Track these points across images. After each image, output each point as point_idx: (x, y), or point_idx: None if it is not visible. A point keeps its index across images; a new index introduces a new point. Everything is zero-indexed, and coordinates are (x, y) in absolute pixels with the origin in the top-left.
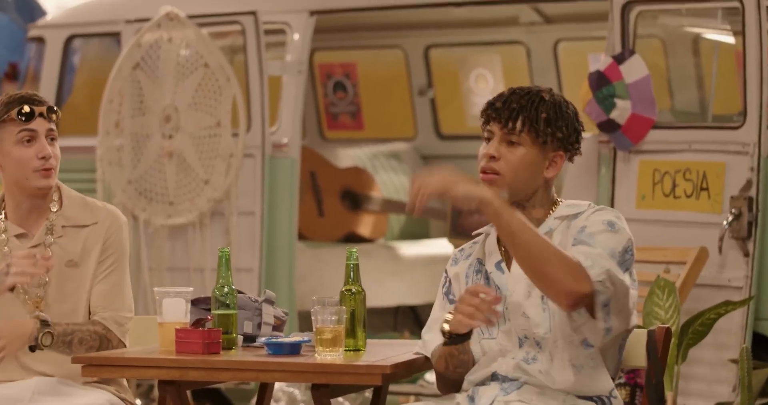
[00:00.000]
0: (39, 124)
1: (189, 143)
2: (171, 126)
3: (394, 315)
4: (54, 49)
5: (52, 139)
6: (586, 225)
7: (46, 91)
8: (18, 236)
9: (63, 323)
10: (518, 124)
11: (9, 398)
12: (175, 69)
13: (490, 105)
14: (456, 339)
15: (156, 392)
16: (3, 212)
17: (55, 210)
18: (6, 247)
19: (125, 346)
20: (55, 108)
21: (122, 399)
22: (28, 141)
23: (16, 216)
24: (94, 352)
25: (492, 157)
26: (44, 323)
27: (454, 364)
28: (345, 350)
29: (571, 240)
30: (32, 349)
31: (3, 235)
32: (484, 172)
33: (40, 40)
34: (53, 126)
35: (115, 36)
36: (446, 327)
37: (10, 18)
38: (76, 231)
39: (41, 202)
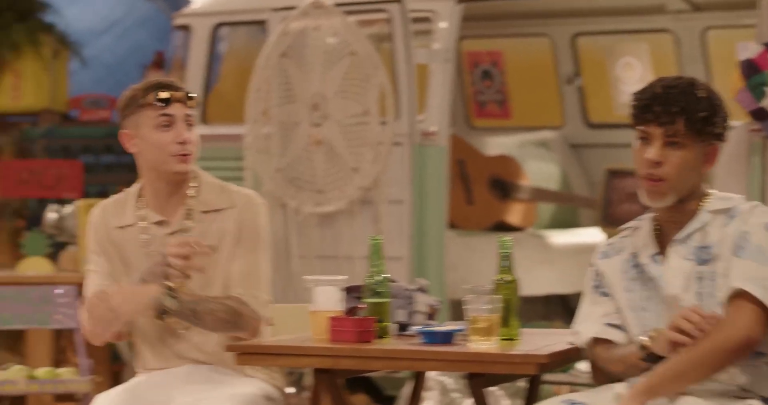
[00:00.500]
0: (177, 109)
1: (337, 131)
2: (319, 114)
3: (545, 304)
4: (200, 37)
5: (190, 125)
6: (748, 231)
7: (193, 79)
8: (157, 223)
9: (192, 293)
10: (680, 126)
11: (163, 385)
12: (322, 57)
13: (646, 106)
14: (655, 359)
15: (307, 380)
16: (143, 200)
17: (192, 195)
18: (146, 235)
19: (260, 319)
20: (192, 94)
21: (274, 387)
22: (166, 126)
23: (155, 203)
24: (230, 329)
25: (656, 163)
26: (169, 289)
27: (632, 372)
28: (499, 339)
29: (732, 244)
30: (160, 316)
31: (143, 223)
32: (649, 179)
33: (186, 29)
34: (191, 112)
35: (262, 24)
36: (647, 343)
37: (157, 7)
38: (214, 216)
39: (179, 188)
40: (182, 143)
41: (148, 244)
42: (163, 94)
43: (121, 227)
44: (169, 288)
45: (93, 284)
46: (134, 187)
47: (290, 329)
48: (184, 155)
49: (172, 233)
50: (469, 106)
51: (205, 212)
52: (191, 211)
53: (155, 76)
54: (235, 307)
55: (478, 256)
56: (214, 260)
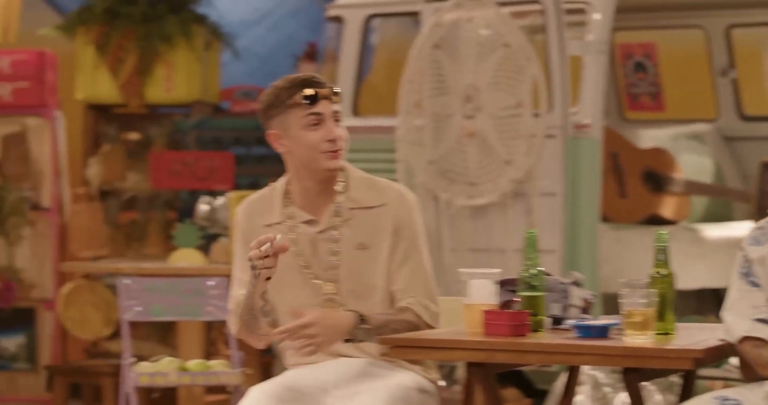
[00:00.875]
0: (324, 107)
1: (490, 123)
2: (472, 106)
3: (697, 298)
4: (353, 28)
5: (337, 121)
6: None
7: (345, 71)
8: (306, 222)
9: (377, 315)
10: None
11: (317, 378)
12: (475, 48)
13: None
14: None
15: (458, 373)
16: (290, 197)
17: (341, 191)
18: (294, 234)
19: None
20: (337, 89)
21: (428, 380)
22: (315, 124)
23: (302, 201)
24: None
25: None
26: (362, 319)
27: None
28: (655, 334)
29: None
30: (347, 340)
31: (290, 221)
32: None
33: (338, 20)
34: (338, 107)
35: (414, 15)
36: None
37: None
38: (364, 212)
39: (328, 185)
40: (332, 140)
41: (296, 243)
42: (309, 92)
43: (268, 225)
44: (363, 318)
45: (236, 295)
46: (280, 183)
47: (443, 322)
48: (335, 152)
49: (321, 232)
50: (622, 98)
51: (354, 209)
52: (340, 209)
53: (307, 68)
54: (414, 321)
55: (631, 250)
56: (367, 257)
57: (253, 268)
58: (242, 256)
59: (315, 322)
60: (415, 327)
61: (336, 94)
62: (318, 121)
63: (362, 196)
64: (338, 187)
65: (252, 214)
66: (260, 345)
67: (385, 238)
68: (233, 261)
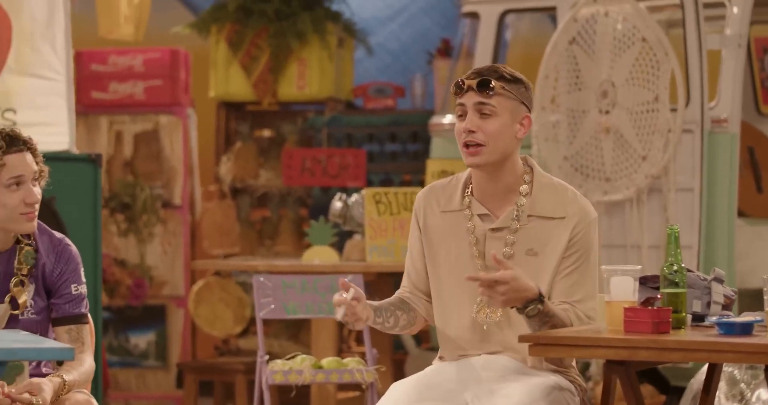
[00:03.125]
0: (468, 98)
1: (626, 118)
2: (608, 101)
3: None
4: (488, 24)
5: (483, 114)
6: None
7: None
8: (481, 216)
9: (550, 302)
10: None
11: (457, 375)
12: (611, 43)
13: None
14: None
15: (591, 371)
16: (470, 188)
17: (524, 194)
18: (470, 223)
19: None
20: (490, 81)
21: (568, 378)
22: (460, 116)
23: (480, 194)
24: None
25: None
26: (541, 298)
27: None
28: None
29: None
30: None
31: (467, 212)
32: None
33: (474, 16)
34: (484, 99)
35: (550, 11)
36: None
37: None
38: (543, 221)
39: (513, 184)
40: (467, 132)
41: (471, 232)
42: (459, 82)
43: (446, 211)
44: (541, 298)
45: (402, 285)
46: (464, 174)
47: None
48: (467, 147)
49: (494, 230)
50: (758, 92)
51: (533, 216)
52: (521, 213)
53: (441, 64)
54: (575, 321)
55: None
56: (535, 264)
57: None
58: (413, 243)
59: (509, 281)
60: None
61: (483, 85)
62: (462, 112)
63: (544, 204)
64: (523, 189)
65: (431, 199)
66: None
67: (558, 250)
68: (409, 246)
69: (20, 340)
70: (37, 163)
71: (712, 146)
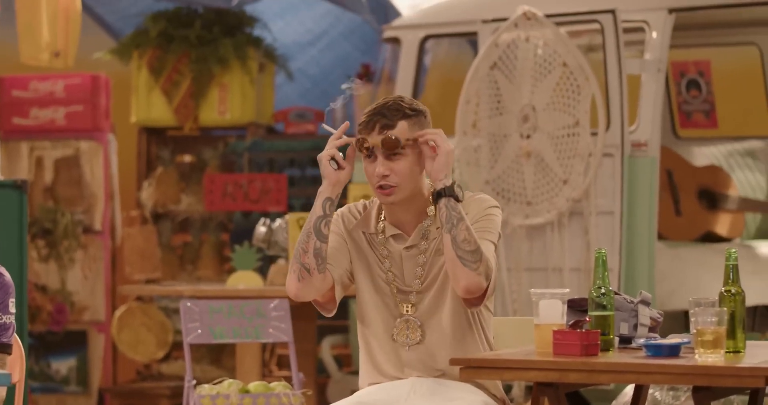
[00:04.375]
0: (376, 141)
1: (547, 143)
2: (529, 126)
3: (752, 315)
4: (409, 49)
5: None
6: None
7: (402, 92)
8: (394, 236)
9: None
10: None
11: (388, 398)
12: (532, 68)
13: None
14: None
15: (513, 393)
16: (383, 214)
17: (431, 214)
18: (385, 248)
19: (490, 275)
20: (397, 142)
21: (496, 399)
22: (368, 156)
23: (391, 217)
24: (471, 257)
25: None
26: (461, 187)
27: None
28: (726, 351)
29: None
30: (438, 194)
31: (381, 236)
32: None
33: (395, 41)
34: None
35: (471, 36)
36: None
37: (363, 18)
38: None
39: (422, 206)
40: (380, 177)
41: (386, 257)
42: (361, 141)
43: (363, 231)
44: (461, 187)
45: None
46: (376, 200)
47: (508, 342)
48: (381, 188)
49: (408, 248)
50: (675, 116)
51: (440, 228)
52: (428, 230)
53: (361, 89)
54: (481, 253)
55: (688, 268)
56: (442, 261)
57: (320, 161)
58: (336, 240)
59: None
60: (477, 250)
61: (389, 146)
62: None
63: None
64: (429, 210)
65: (349, 217)
66: (302, 289)
67: None
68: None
69: None
70: None
71: (632, 170)
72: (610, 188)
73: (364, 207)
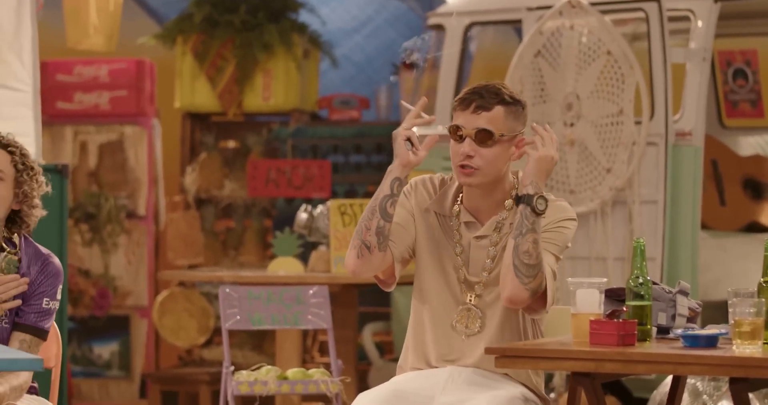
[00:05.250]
0: (467, 122)
1: (591, 131)
2: (573, 114)
3: None
4: (454, 37)
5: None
6: None
7: (446, 79)
8: (467, 223)
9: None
10: None
11: (424, 386)
12: (576, 56)
13: None
14: None
15: (555, 382)
16: (460, 197)
17: (509, 208)
18: (457, 232)
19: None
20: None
21: (533, 390)
22: (458, 136)
23: (470, 203)
24: (530, 269)
25: None
26: (546, 199)
27: None
28: (763, 343)
29: None
30: (518, 199)
31: (456, 220)
32: None
33: (439, 28)
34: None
35: (516, 23)
36: None
37: (408, 5)
38: None
39: (501, 198)
40: (464, 156)
41: (457, 242)
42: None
43: (436, 212)
44: (546, 199)
45: None
46: (456, 181)
47: (552, 331)
48: (462, 167)
49: (478, 238)
50: (722, 105)
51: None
52: (503, 224)
53: (406, 77)
54: (543, 263)
55: (732, 258)
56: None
57: (394, 139)
58: (403, 213)
59: (550, 146)
60: (539, 265)
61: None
62: (459, 133)
63: None
64: (507, 203)
65: (425, 193)
66: (360, 265)
67: None
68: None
69: None
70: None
71: (676, 159)
72: (654, 177)
73: (441, 182)
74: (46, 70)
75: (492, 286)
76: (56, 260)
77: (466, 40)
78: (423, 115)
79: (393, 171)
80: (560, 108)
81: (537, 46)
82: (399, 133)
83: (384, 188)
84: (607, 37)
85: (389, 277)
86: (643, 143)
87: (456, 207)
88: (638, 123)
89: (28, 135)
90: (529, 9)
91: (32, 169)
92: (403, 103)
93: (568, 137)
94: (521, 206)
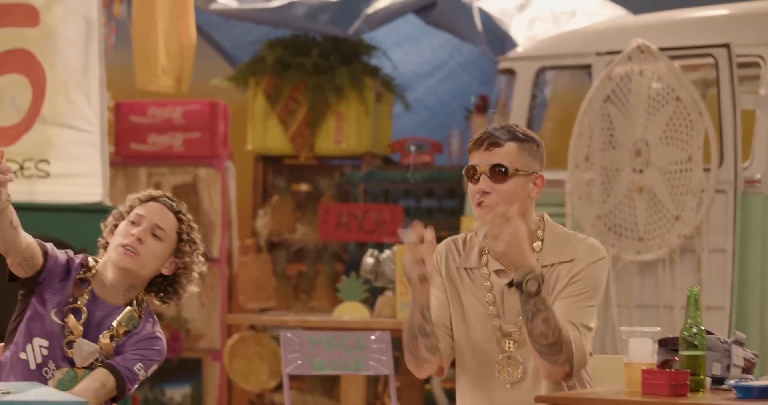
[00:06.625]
0: (481, 160)
1: (659, 178)
2: (641, 160)
3: None
4: (524, 81)
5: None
6: None
7: (516, 123)
8: (496, 272)
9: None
10: None
11: None
12: (646, 102)
13: None
14: None
15: None
16: (487, 247)
17: (537, 250)
18: (488, 281)
19: (574, 361)
20: (504, 168)
21: None
22: (473, 177)
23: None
24: (550, 351)
25: None
26: (538, 277)
27: None
28: None
29: None
30: (510, 284)
31: (484, 270)
32: None
33: (510, 73)
34: (498, 161)
35: (585, 68)
36: None
37: (481, 50)
38: (554, 268)
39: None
40: (481, 194)
41: (489, 291)
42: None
43: (465, 268)
44: (538, 277)
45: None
46: (482, 231)
47: (608, 380)
48: (480, 207)
49: (509, 284)
50: None
51: (546, 266)
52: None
53: (479, 121)
54: (562, 338)
55: None
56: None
57: (408, 277)
58: (436, 289)
59: (513, 226)
60: (558, 341)
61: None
62: (474, 174)
63: (555, 252)
64: (536, 245)
65: (450, 253)
66: (421, 372)
67: (562, 283)
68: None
69: (36, 392)
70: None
71: (745, 207)
72: (723, 225)
73: (465, 241)
74: (120, 112)
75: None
76: (164, 344)
77: (536, 85)
78: (424, 231)
79: (416, 299)
80: (629, 154)
81: (606, 92)
82: (411, 276)
83: (416, 318)
84: (676, 83)
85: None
86: (711, 191)
87: (484, 257)
88: (707, 170)
89: (94, 176)
90: (599, 54)
91: (195, 242)
92: (401, 231)
93: (636, 184)
94: (518, 291)
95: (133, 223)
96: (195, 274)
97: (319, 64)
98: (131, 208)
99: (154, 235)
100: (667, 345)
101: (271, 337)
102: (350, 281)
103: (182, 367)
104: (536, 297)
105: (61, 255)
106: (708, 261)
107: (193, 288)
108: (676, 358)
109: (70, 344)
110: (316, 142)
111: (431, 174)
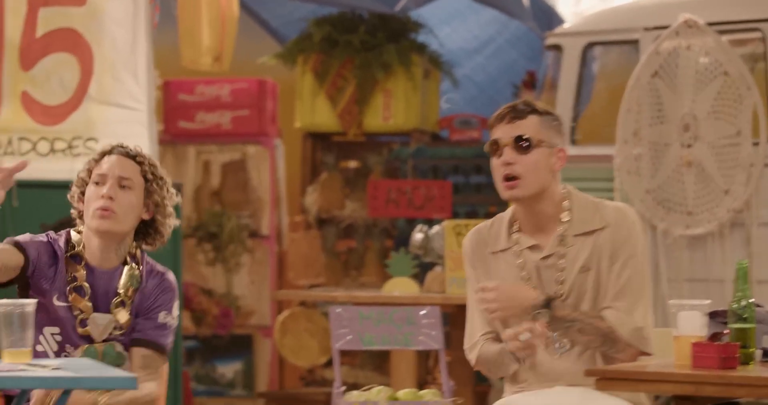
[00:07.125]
0: (504, 133)
1: (708, 152)
2: (690, 135)
3: None
4: (571, 57)
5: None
6: None
7: (563, 99)
8: (530, 248)
9: (568, 309)
10: None
11: (536, 403)
12: (693, 77)
13: None
14: None
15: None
16: (516, 225)
17: (566, 220)
18: (520, 259)
19: (632, 347)
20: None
21: None
22: (495, 152)
23: (528, 227)
24: (606, 349)
25: None
26: (547, 302)
27: None
28: None
29: None
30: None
31: (516, 247)
32: None
33: (557, 48)
34: (521, 133)
35: (633, 44)
36: None
37: (528, 27)
38: (587, 237)
39: (554, 211)
40: (505, 165)
41: (522, 268)
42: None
43: (495, 252)
44: (548, 300)
45: (476, 338)
46: (507, 213)
47: (658, 354)
48: (505, 180)
49: (545, 258)
50: None
51: (578, 235)
52: (565, 236)
53: (527, 97)
54: (605, 331)
55: None
56: (589, 279)
57: (516, 357)
58: (473, 286)
59: (495, 289)
60: (607, 337)
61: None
62: (496, 149)
63: (586, 221)
64: (564, 214)
65: (479, 242)
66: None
67: (605, 259)
68: (467, 291)
69: (87, 367)
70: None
71: None
72: None
73: (490, 225)
74: (168, 90)
75: (570, 298)
76: (172, 276)
77: (584, 60)
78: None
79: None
80: (677, 129)
81: (654, 67)
82: (520, 356)
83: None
84: (724, 58)
85: None
86: (760, 165)
87: (513, 236)
88: (756, 144)
89: None
90: (646, 29)
91: (162, 178)
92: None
93: (685, 158)
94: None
95: (97, 183)
96: (170, 209)
97: (366, 41)
98: (89, 171)
99: (123, 187)
100: (716, 318)
101: (321, 313)
102: (399, 257)
103: (233, 344)
104: (557, 321)
105: (41, 241)
106: (757, 235)
107: (172, 221)
108: (726, 331)
109: (83, 323)
110: (364, 118)
111: (480, 150)
